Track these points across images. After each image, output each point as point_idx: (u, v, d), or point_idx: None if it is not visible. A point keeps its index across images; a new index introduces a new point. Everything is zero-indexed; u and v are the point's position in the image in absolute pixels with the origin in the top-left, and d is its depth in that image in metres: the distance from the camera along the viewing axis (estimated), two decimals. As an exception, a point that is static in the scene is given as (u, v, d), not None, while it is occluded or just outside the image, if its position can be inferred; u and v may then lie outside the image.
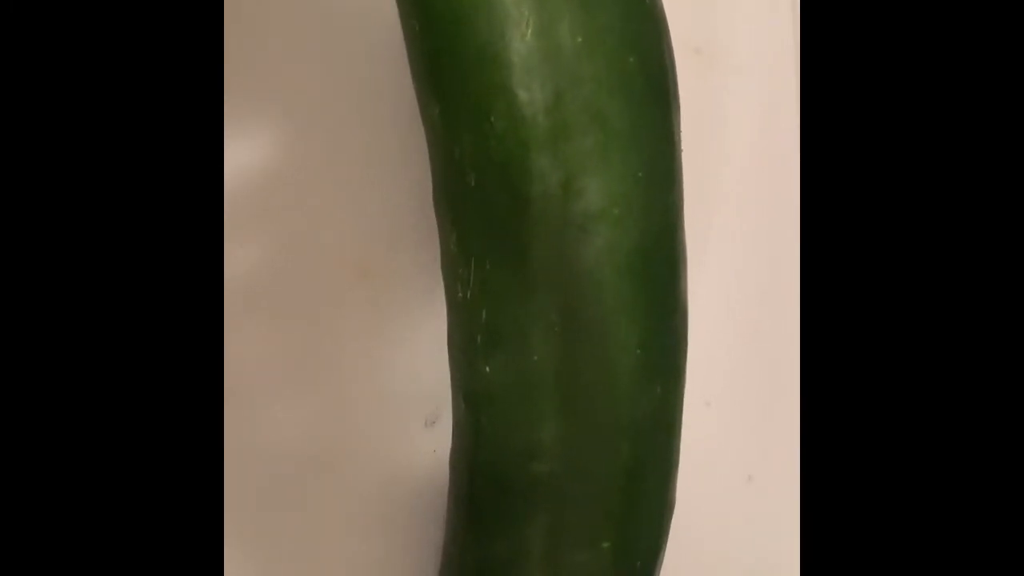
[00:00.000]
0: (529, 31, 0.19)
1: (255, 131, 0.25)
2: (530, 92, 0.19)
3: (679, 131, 0.21)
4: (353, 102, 0.26)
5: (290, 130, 0.26)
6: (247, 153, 0.25)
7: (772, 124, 0.28)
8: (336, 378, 0.26)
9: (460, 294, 0.21)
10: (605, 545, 0.21)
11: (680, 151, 0.21)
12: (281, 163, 0.25)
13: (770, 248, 0.29)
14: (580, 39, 0.19)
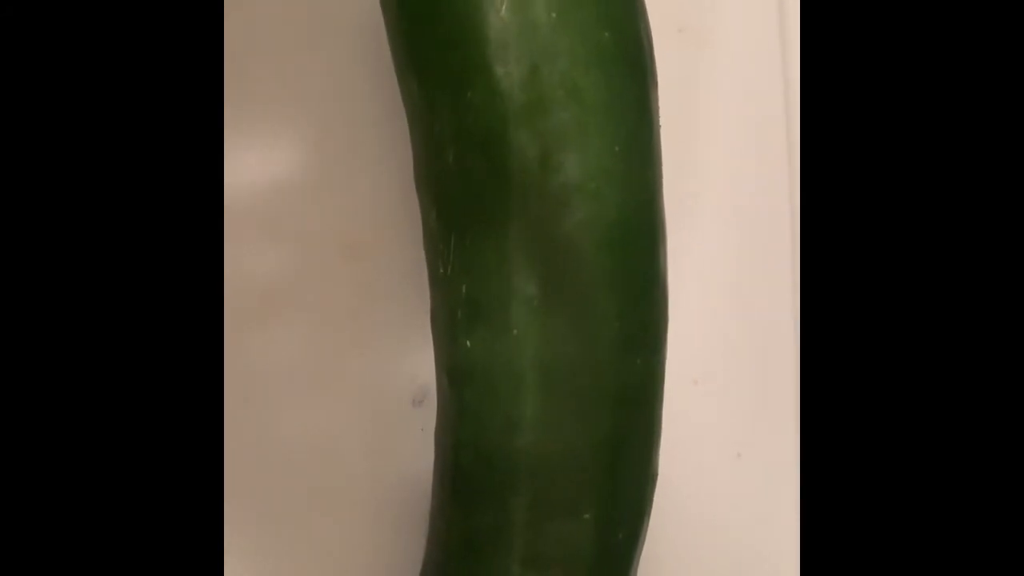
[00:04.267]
0: (504, 6, 0.19)
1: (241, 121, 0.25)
2: (506, 67, 0.19)
3: (657, 106, 0.21)
4: (337, 85, 0.26)
5: (274, 112, 0.26)
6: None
7: (756, 102, 0.28)
8: (324, 360, 0.26)
9: (441, 270, 0.21)
10: (587, 516, 0.21)
11: (658, 126, 0.21)
12: (268, 148, 0.26)
13: (758, 226, 0.29)
14: (554, 14, 0.19)
